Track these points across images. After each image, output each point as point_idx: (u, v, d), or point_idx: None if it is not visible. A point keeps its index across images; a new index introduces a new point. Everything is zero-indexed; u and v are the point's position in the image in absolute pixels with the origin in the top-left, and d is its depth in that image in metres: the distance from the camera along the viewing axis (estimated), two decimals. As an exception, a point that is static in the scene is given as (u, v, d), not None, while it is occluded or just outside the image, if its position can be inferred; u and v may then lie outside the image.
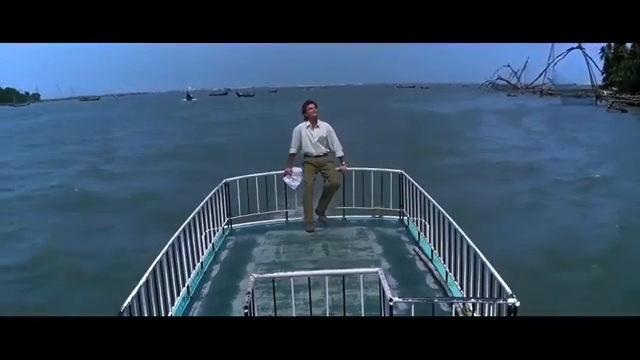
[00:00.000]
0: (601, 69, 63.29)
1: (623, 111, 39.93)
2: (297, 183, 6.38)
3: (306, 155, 6.34)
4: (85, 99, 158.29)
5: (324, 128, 6.34)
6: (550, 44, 76.01)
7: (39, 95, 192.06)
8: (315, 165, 6.29)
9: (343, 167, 6.40)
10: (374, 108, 50.88)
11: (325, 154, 6.34)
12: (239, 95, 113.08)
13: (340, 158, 6.40)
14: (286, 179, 6.43)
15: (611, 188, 14.21)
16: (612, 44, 58.58)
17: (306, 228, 6.24)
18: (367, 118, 36.03)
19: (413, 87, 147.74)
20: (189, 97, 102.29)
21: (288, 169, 6.38)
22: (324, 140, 6.30)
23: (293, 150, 6.32)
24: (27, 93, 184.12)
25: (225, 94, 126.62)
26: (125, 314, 3.08)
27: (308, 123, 6.28)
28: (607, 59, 61.13)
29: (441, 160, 17.85)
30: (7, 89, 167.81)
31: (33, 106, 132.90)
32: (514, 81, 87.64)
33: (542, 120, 35.45)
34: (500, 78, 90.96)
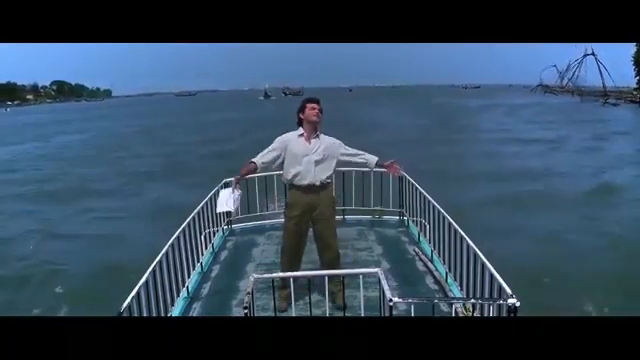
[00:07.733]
0: (634, 72, 66.47)
1: (615, 105, 50.51)
2: (226, 208, 4.10)
3: (293, 186, 4.04)
4: (181, 94, 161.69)
5: (328, 143, 4.09)
6: (583, 49, 78.67)
7: (111, 91, 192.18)
8: (305, 209, 4.00)
9: (393, 166, 4.29)
10: (421, 101, 67.97)
11: (325, 186, 4.04)
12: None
13: (376, 163, 4.26)
14: (222, 193, 4.19)
15: (546, 144, 23.11)
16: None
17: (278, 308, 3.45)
18: (410, 107, 54.13)
19: (478, 87, 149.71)
20: (267, 95, 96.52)
21: (237, 177, 4.06)
22: (328, 161, 4.05)
23: (257, 160, 4.04)
24: (98, 89, 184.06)
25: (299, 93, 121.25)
26: (125, 314, 3.08)
27: (302, 131, 4.06)
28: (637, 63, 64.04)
29: (445, 125, 31.27)
30: (76, 85, 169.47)
31: (108, 101, 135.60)
32: (558, 82, 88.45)
33: (534, 111, 44.56)
34: (541, 84, 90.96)
